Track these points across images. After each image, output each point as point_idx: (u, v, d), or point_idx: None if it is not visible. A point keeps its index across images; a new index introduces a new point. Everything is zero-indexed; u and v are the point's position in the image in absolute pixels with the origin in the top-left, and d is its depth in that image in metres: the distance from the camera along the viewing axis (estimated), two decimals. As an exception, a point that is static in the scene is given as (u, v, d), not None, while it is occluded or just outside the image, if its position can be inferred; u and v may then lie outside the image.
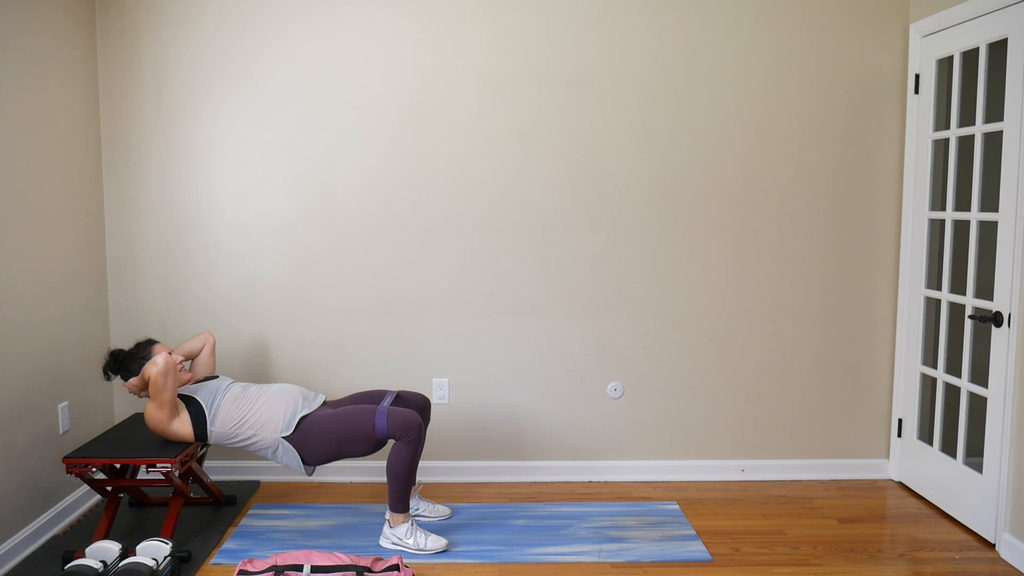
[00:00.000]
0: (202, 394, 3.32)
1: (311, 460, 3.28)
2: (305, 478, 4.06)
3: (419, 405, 3.52)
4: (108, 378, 3.44)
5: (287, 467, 3.32)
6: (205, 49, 3.86)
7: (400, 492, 3.23)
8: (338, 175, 3.93)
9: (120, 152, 3.91)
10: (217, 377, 3.48)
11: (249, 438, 3.26)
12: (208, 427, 3.26)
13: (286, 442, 3.24)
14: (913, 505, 3.77)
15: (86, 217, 3.77)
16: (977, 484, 3.40)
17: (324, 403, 3.45)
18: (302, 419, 3.27)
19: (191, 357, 3.59)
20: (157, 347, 3.42)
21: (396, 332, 4.01)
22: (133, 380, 3.36)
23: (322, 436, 3.23)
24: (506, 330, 4.01)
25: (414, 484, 3.54)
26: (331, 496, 3.87)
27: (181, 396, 3.31)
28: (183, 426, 3.25)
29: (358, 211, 3.94)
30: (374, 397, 3.48)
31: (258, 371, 4.02)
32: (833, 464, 4.10)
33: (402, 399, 3.50)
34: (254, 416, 3.27)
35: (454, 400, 4.06)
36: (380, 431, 3.20)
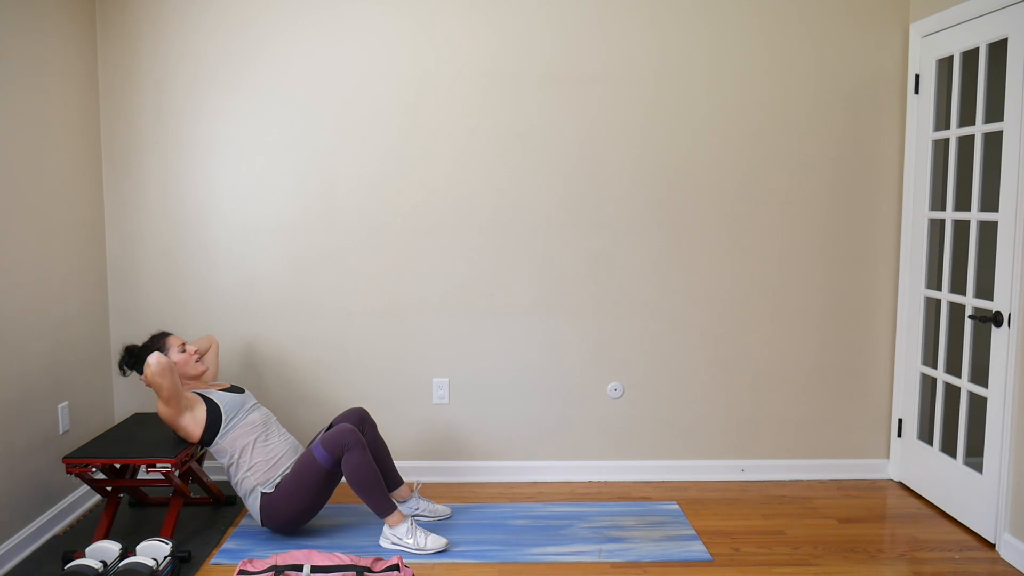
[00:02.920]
0: (226, 405, 3.35)
1: (271, 525, 3.29)
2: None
3: (352, 419, 3.48)
4: (124, 373, 3.46)
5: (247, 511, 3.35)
6: (205, 49, 3.86)
7: (375, 499, 3.22)
8: (338, 175, 3.93)
9: (120, 152, 3.92)
10: (243, 392, 3.49)
11: (239, 469, 3.29)
12: (217, 437, 3.29)
13: (259, 495, 3.27)
14: (913, 505, 3.77)
15: (86, 217, 3.77)
16: (977, 484, 3.40)
17: None
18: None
19: (202, 355, 3.62)
20: (170, 339, 3.43)
21: (396, 332, 4.01)
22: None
23: (284, 499, 3.23)
24: (506, 330, 4.01)
25: (402, 483, 3.55)
26: (331, 496, 3.86)
27: (206, 398, 3.33)
28: (195, 425, 3.26)
29: (358, 211, 3.94)
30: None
31: (258, 371, 4.02)
32: (833, 464, 4.10)
33: (334, 424, 3.49)
34: (257, 455, 3.29)
35: (454, 400, 4.06)
36: (324, 460, 3.19)
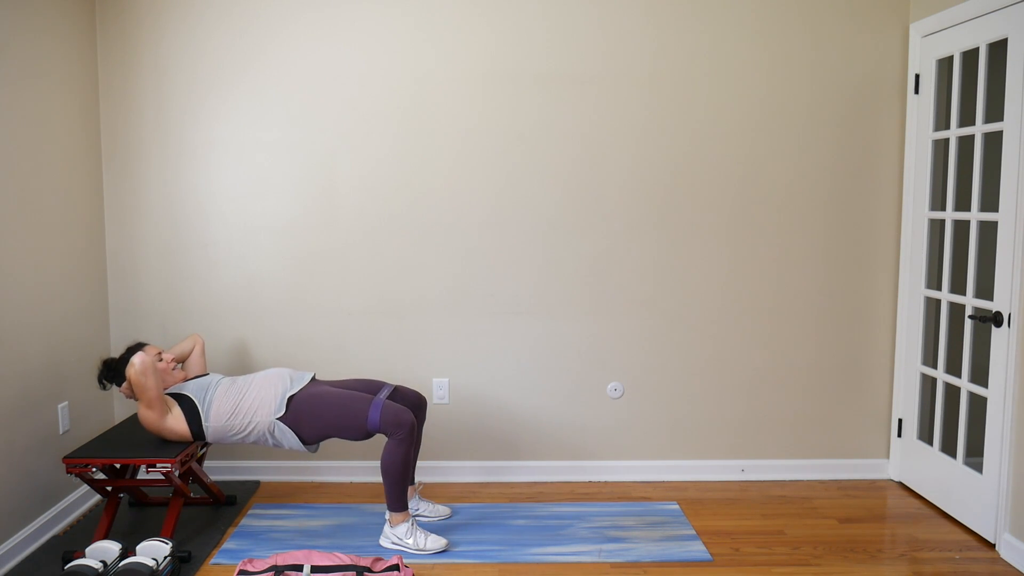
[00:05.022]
0: (192, 390, 3.32)
1: (308, 438, 3.28)
2: (306, 478, 4.06)
3: (415, 403, 3.52)
4: (104, 387, 3.45)
5: (290, 449, 3.31)
6: (205, 49, 3.86)
7: (396, 491, 3.23)
8: (338, 175, 3.93)
9: (120, 152, 3.92)
10: (207, 375, 3.48)
11: (245, 427, 3.25)
12: (203, 423, 3.26)
13: (281, 423, 3.24)
14: (913, 505, 3.77)
15: (86, 217, 3.77)
16: (977, 484, 3.40)
17: (314, 379, 3.45)
18: (291, 398, 3.28)
19: (182, 359, 3.62)
20: (147, 350, 3.42)
21: (396, 332, 4.01)
22: (126, 384, 3.37)
23: (314, 416, 3.24)
24: (506, 330, 4.01)
25: (412, 484, 3.55)
26: (331, 496, 3.87)
27: (172, 394, 3.31)
28: (178, 424, 3.25)
29: (358, 211, 3.94)
30: (373, 387, 3.48)
31: (258, 371, 4.01)
32: (833, 464, 4.10)
33: (400, 394, 3.50)
34: (246, 404, 3.27)
35: (454, 400, 4.06)
36: (372, 424, 3.20)
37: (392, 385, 3.48)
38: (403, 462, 3.20)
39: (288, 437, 3.26)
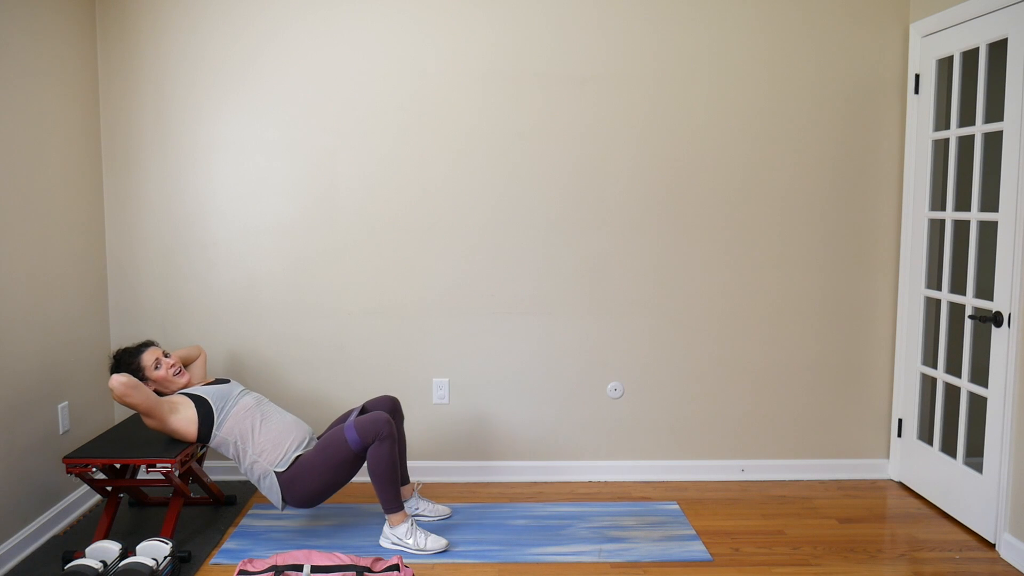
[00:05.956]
0: (213, 396, 3.33)
1: (292, 500, 3.26)
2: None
3: (386, 406, 3.50)
4: None
5: (264, 496, 3.31)
6: (205, 49, 3.86)
7: (388, 492, 3.22)
8: (338, 175, 3.93)
9: (120, 152, 3.92)
10: (228, 381, 3.48)
11: (246, 458, 3.27)
12: (214, 429, 3.27)
13: (275, 477, 3.24)
14: (913, 505, 3.77)
15: (86, 217, 3.77)
16: (977, 484, 3.40)
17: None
18: (296, 458, 3.28)
19: (186, 364, 3.64)
20: (144, 356, 3.40)
21: (396, 332, 4.01)
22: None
23: (306, 473, 3.21)
24: (506, 330, 4.01)
25: (409, 483, 3.55)
26: (331, 496, 3.86)
27: (191, 395, 3.32)
28: (188, 424, 3.25)
29: (358, 211, 3.94)
30: (342, 419, 3.48)
31: (258, 371, 4.02)
32: (833, 464, 4.10)
33: (369, 407, 3.49)
34: (260, 438, 3.27)
35: (454, 400, 4.06)
36: (354, 443, 3.18)
37: (358, 406, 3.48)
38: (389, 461, 3.19)
39: (273, 492, 3.26)
